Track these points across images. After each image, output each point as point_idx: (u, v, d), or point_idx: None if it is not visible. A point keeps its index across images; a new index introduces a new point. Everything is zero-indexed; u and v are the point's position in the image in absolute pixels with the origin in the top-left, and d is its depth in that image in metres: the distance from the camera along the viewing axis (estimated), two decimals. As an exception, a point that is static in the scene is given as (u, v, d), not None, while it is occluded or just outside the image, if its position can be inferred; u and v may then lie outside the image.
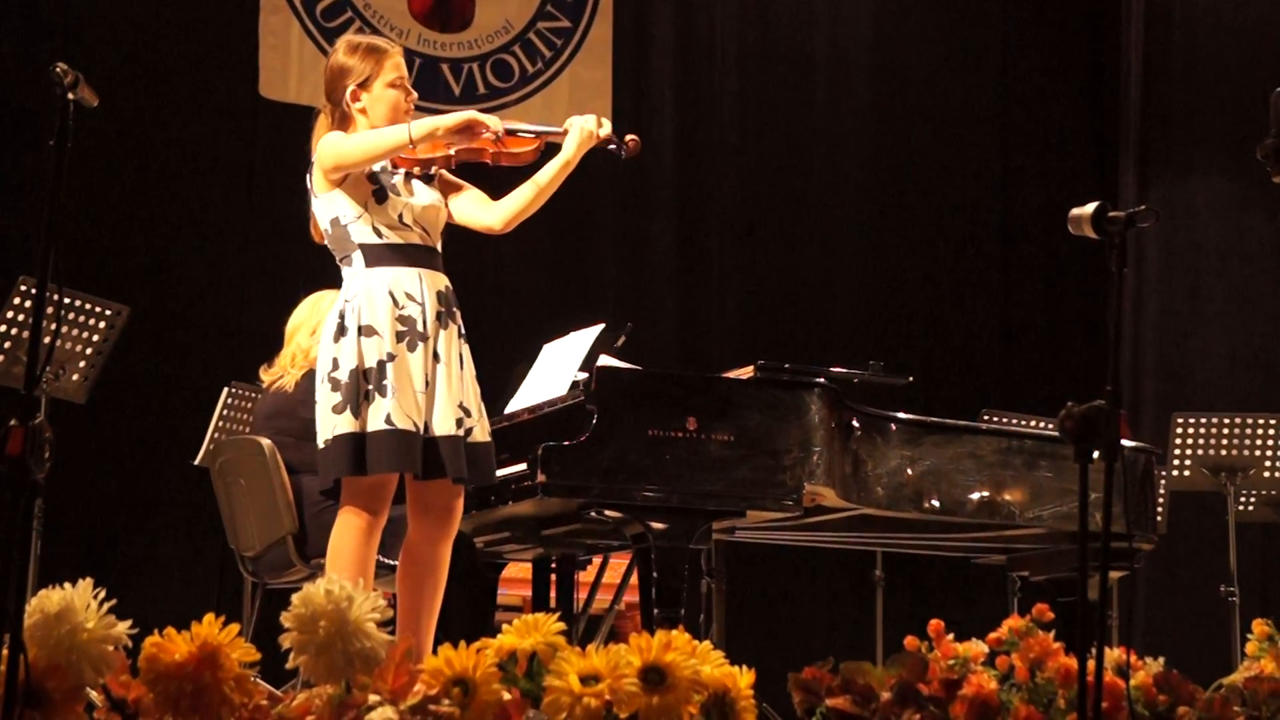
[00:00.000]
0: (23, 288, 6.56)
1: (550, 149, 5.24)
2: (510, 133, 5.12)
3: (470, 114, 5.08)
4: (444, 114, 5.16)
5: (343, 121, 5.11)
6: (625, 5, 9.81)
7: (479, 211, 5.25)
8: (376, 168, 5.03)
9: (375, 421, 4.82)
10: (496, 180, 5.26)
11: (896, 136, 10.30)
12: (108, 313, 6.88)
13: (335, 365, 4.90)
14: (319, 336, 6.08)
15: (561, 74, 9.64)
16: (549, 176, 5.20)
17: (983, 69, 10.62)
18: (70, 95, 3.24)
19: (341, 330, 4.91)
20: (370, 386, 4.84)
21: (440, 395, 4.96)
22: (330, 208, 5.03)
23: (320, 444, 4.95)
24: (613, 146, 5.31)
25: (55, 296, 3.18)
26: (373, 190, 5.02)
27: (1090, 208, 3.75)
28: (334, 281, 6.31)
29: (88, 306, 6.83)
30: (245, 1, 9.03)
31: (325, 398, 4.92)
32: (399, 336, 4.89)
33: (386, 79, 5.11)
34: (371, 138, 4.98)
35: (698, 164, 9.86)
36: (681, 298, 9.70)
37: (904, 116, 10.34)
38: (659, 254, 9.62)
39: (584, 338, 5.77)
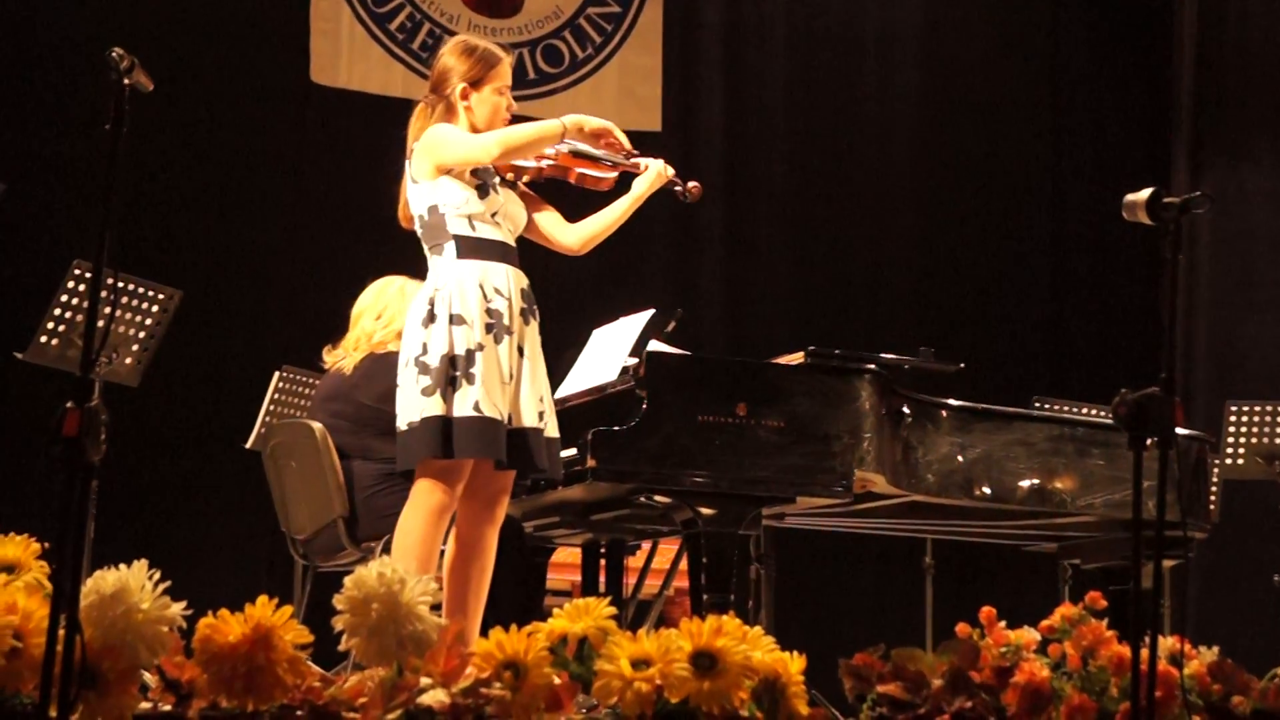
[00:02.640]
0: (76, 272, 6.59)
1: (623, 178, 5.39)
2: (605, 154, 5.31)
3: (606, 124, 5.29)
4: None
5: (446, 114, 5.20)
6: (678, -8, 9.83)
7: (558, 231, 5.40)
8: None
9: (463, 407, 4.88)
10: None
11: (946, 122, 10.27)
12: (160, 297, 6.91)
13: (424, 350, 4.95)
14: (384, 321, 6.14)
15: (611, 60, 9.63)
16: (623, 209, 5.38)
17: (1033, 55, 10.59)
18: (126, 80, 3.25)
19: (431, 317, 4.96)
20: (458, 373, 4.90)
21: (525, 388, 5.06)
22: (430, 195, 5.08)
23: (404, 425, 4.99)
24: (678, 188, 5.45)
25: (110, 281, 3.19)
26: (477, 185, 5.10)
27: (1145, 193, 3.73)
28: (386, 266, 6.36)
29: (141, 290, 6.86)
30: (298, -6, 9.07)
31: (412, 381, 4.98)
32: (487, 328, 4.96)
33: (495, 84, 5.23)
34: (536, 128, 5.16)
35: (746, 150, 9.85)
36: (730, 283, 9.70)
37: (953, 103, 10.31)
38: (708, 239, 9.63)
39: (634, 323, 5.77)
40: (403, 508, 5.27)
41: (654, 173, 5.39)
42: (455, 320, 4.93)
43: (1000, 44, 10.49)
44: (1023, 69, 10.54)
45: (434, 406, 4.89)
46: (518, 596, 5.79)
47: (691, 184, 5.47)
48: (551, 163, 5.26)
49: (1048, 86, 10.60)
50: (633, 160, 5.39)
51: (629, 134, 5.40)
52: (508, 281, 5.05)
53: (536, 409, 5.06)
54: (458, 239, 5.05)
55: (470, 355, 4.90)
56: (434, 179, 5.07)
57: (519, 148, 5.11)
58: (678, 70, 9.77)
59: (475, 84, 5.19)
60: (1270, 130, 10.30)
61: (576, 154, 5.31)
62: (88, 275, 6.43)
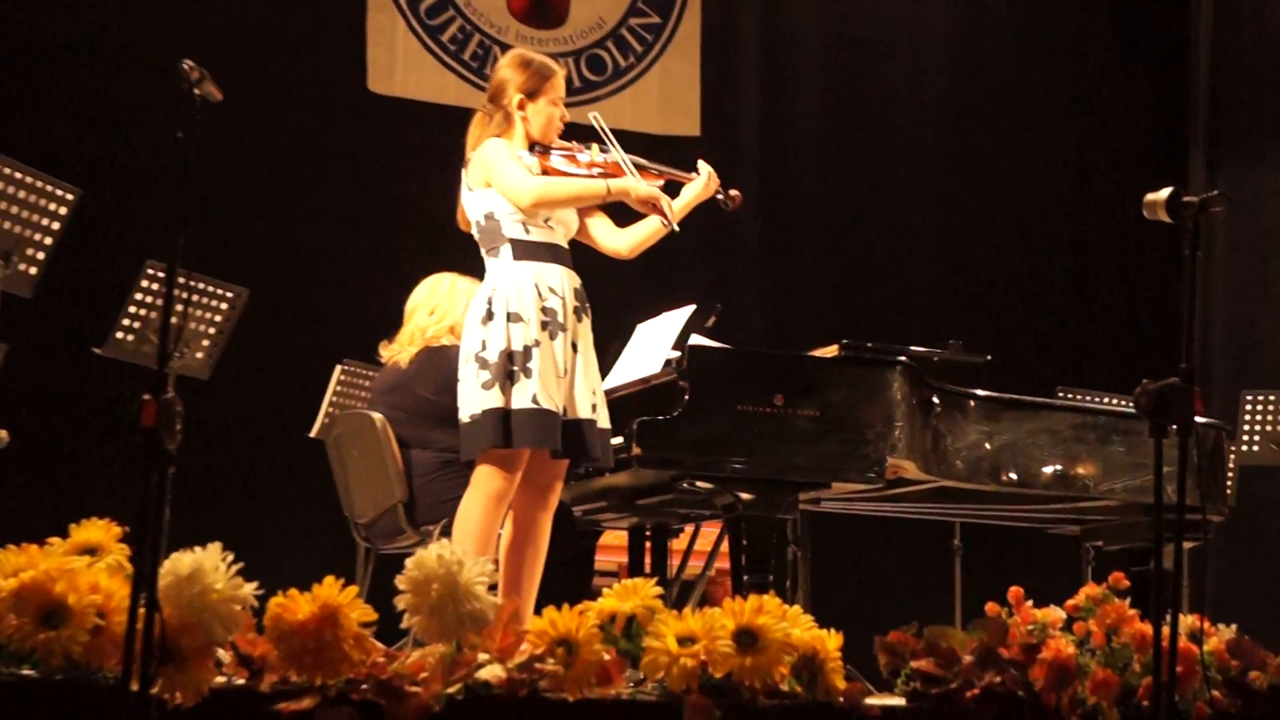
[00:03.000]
0: (150, 272, 6.61)
1: (668, 186, 5.43)
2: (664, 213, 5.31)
3: (656, 192, 5.28)
4: (637, 179, 5.30)
5: (503, 123, 5.27)
6: (713, 1, 9.80)
7: (609, 236, 5.47)
8: (535, 173, 5.18)
9: (521, 400, 4.95)
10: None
11: (972, 125, 10.25)
12: (229, 295, 6.94)
13: (484, 346, 5.03)
14: (436, 316, 6.16)
15: (652, 68, 9.63)
16: (673, 214, 5.36)
17: (1056, 60, 10.56)
18: (196, 90, 3.28)
19: (489, 315, 5.03)
20: (516, 368, 4.97)
21: (579, 382, 5.13)
22: (486, 203, 5.16)
23: (466, 418, 5.06)
24: (720, 197, 5.52)
25: (182, 280, 3.21)
26: None
27: (1164, 193, 3.73)
28: (438, 264, 6.37)
29: (211, 289, 6.88)
30: (356, 8, 9.06)
31: (472, 376, 5.05)
32: (543, 325, 5.03)
33: (549, 96, 5.31)
34: (578, 186, 5.22)
35: (781, 152, 9.84)
36: (767, 279, 9.69)
37: (980, 107, 10.29)
38: (745, 238, 9.62)
39: (676, 318, 5.78)
40: (458, 493, 5.33)
41: (702, 180, 5.46)
42: (512, 318, 4.99)
43: (1024, 50, 10.47)
44: (1045, 74, 10.51)
45: (493, 399, 4.95)
46: (568, 577, 5.81)
47: (733, 192, 5.55)
48: (602, 171, 5.30)
49: (1070, 90, 10.58)
50: (679, 171, 5.44)
51: (669, 139, 5.43)
52: (561, 281, 5.10)
53: (590, 401, 5.13)
54: (513, 242, 5.10)
55: (527, 351, 4.96)
56: (487, 187, 5.11)
57: (554, 201, 5.16)
58: (716, 78, 9.76)
59: (531, 95, 5.26)
60: (1283, 131, 10.29)
61: (622, 163, 5.34)
62: (161, 275, 6.46)
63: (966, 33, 10.32)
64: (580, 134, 5.44)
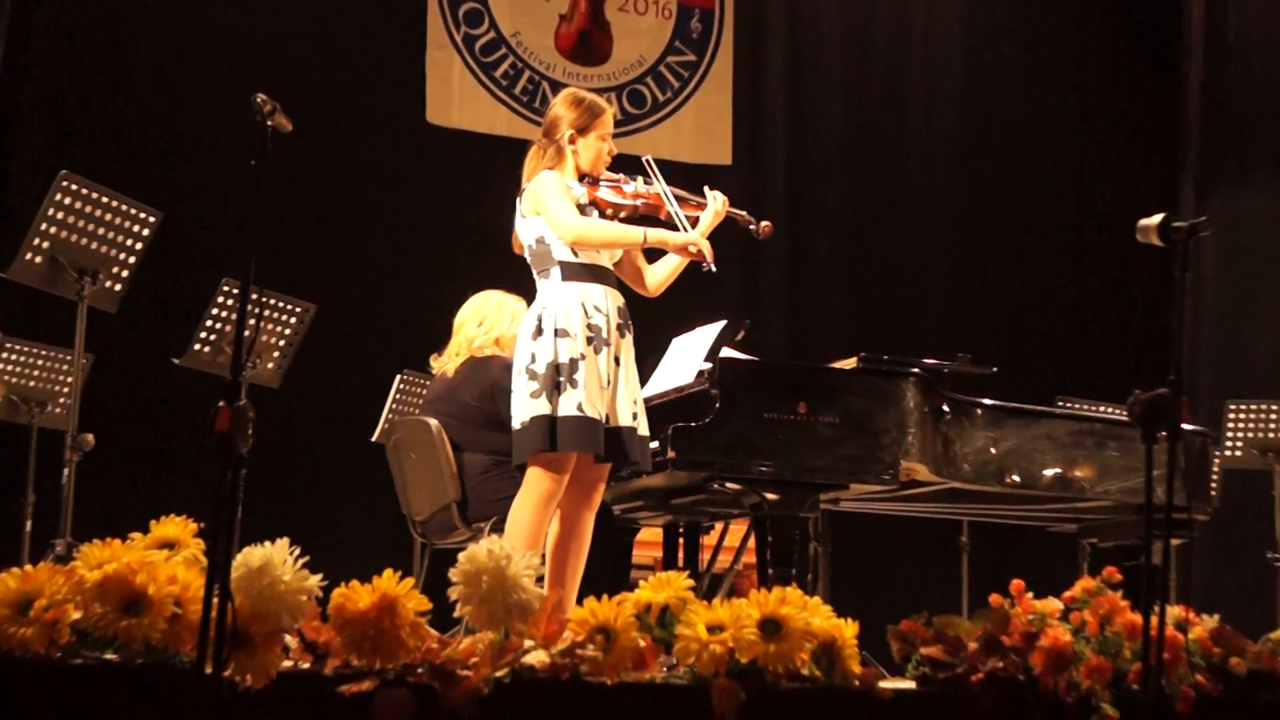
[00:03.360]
0: (225, 288, 6.65)
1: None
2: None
3: (692, 239, 5.25)
4: (674, 230, 5.31)
5: (555, 156, 5.30)
6: (743, 41, 9.81)
7: (641, 276, 5.48)
8: (584, 202, 5.23)
9: (567, 408, 4.98)
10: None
11: (981, 156, 10.24)
12: (297, 310, 6.97)
13: (533, 359, 5.06)
14: (484, 329, 6.18)
15: (688, 102, 9.65)
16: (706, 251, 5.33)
17: (1058, 95, 10.54)
18: (268, 122, 3.29)
19: (539, 331, 5.06)
20: (563, 379, 5.00)
21: (621, 393, 5.15)
22: (537, 229, 5.20)
23: (517, 425, 5.08)
24: (751, 227, 5.54)
25: (255, 296, 3.23)
26: None
27: (1156, 219, 3.72)
28: (486, 281, 6.39)
29: (281, 304, 6.91)
30: (414, 39, 9.09)
31: (523, 386, 5.07)
32: (588, 340, 5.05)
33: (599, 132, 5.33)
34: (616, 231, 5.22)
35: (805, 180, 9.84)
36: (791, 296, 9.69)
37: (988, 139, 10.28)
38: (772, 258, 9.61)
39: (708, 332, 5.78)
40: (506, 492, 5.37)
41: (714, 206, 5.42)
42: (560, 334, 5.02)
43: (1028, 87, 10.45)
44: (1048, 108, 10.50)
45: (541, 407, 4.98)
46: (608, 570, 5.81)
47: (764, 224, 5.58)
48: (645, 201, 5.34)
49: (1070, 124, 10.56)
50: (696, 198, 5.46)
51: (702, 167, 5.46)
52: (606, 300, 5.13)
53: (630, 410, 5.15)
54: (562, 264, 5.13)
55: (573, 363, 4.98)
56: (538, 216, 5.15)
57: (592, 242, 5.16)
58: (746, 111, 9.77)
59: (582, 131, 5.29)
60: (1267, 161, 10.27)
61: (664, 195, 5.38)
62: (235, 291, 6.48)
63: (975, 72, 10.31)
64: (627, 164, 5.47)
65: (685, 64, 9.67)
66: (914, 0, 10.21)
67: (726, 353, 5.61)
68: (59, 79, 8.37)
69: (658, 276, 5.45)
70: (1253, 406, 8.60)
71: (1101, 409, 7.25)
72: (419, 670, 3.18)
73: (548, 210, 5.11)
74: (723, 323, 5.79)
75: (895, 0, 10.18)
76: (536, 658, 3.30)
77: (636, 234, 5.21)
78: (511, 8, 9.36)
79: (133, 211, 6.09)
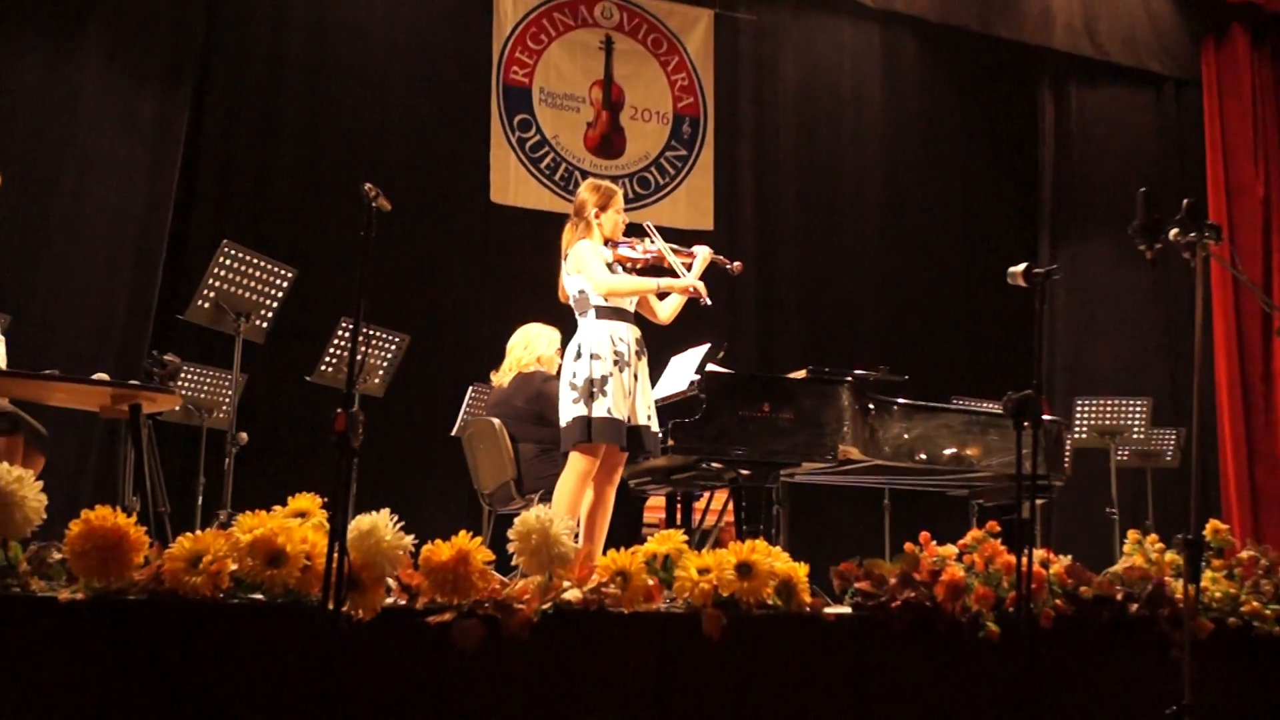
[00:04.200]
0: (343, 324, 6.67)
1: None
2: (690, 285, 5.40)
3: (692, 283, 5.34)
4: (678, 279, 5.38)
5: (585, 228, 5.34)
6: (722, 139, 9.79)
7: (658, 307, 5.47)
8: (610, 260, 5.29)
9: (599, 411, 5.07)
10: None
11: (898, 220, 10.21)
12: (395, 339, 6.98)
13: (574, 376, 5.15)
14: (530, 351, 6.22)
15: (681, 184, 9.64)
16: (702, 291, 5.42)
17: (952, 170, 10.50)
18: (374, 203, 3.31)
19: (579, 355, 5.18)
20: (596, 390, 5.04)
21: (639, 401, 5.20)
22: (579, 284, 5.30)
23: (563, 423, 5.14)
24: (728, 267, 5.54)
25: (365, 330, 3.23)
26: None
27: (1021, 266, 3.74)
28: (531, 317, 6.43)
29: (384, 335, 6.93)
30: (482, 141, 9.10)
31: (568, 394, 5.14)
32: (614, 362, 5.11)
33: (615, 208, 5.40)
34: (636, 284, 5.29)
35: (768, 239, 9.82)
36: (758, 325, 9.67)
37: (903, 207, 10.25)
38: (743, 297, 9.59)
39: (697, 352, 5.79)
40: (551, 472, 5.42)
41: (702, 256, 5.50)
42: (594, 357, 5.09)
43: (932, 168, 10.43)
44: (945, 179, 10.46)
45: (580, 411, 5.05)
46: (624, 529, 5.83)
47: (736, 264, 5.59)
48: (653, 256, 5.40)
49: (960, 195, 10.52)
50: (687, 250, 5.47)
51: (691, 232, 5.49)
52: (627, 333, 5.21)
53: (646, 413, 5.23)
54: (597, 308, 5.19)
55: (604, 379, 5.05)
56: (579, 273, 5.22)
57: (620, 294, 5.24)
58: (724, 190, 9.75)
59: (602, 208, 5.34)
60: (1102, 220, 10.30)
61: (665, 251, 5.43)
62: (350, 326, 6.49)
63: (892, 155, 10.29)
64: (634, 230, 5.52)
65: (679, 157, 9.67)
66: (845, 107, 10.18)
67: (711, 368, 5.62)
68: (222, 169, 8.39)
69: (666, 311, 5.48)
70: (1094, 402, 8.71)
71: (984, 405, 7.24)
72: (486, 605, 3.18)
73: (587, 271, 5.18)
74: (708, 345, 5.80)
75: (831, 108, 10.16)
76: (573, 594, 3.31)
77: (651, 284, 5.29)
78: (552, 118, 9.36)
79: (275, 269, 6.10)
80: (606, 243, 5.34)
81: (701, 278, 5.42)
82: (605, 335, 5.14)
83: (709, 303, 5.35)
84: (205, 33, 8.29)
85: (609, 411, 5.02)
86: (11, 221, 7.00)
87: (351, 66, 8.72)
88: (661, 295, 5.42)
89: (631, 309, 5.30)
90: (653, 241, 5.45)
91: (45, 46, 7.58)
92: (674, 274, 5.39)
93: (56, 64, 7.59)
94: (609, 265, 5.25)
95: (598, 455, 5.11)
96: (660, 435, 5.30)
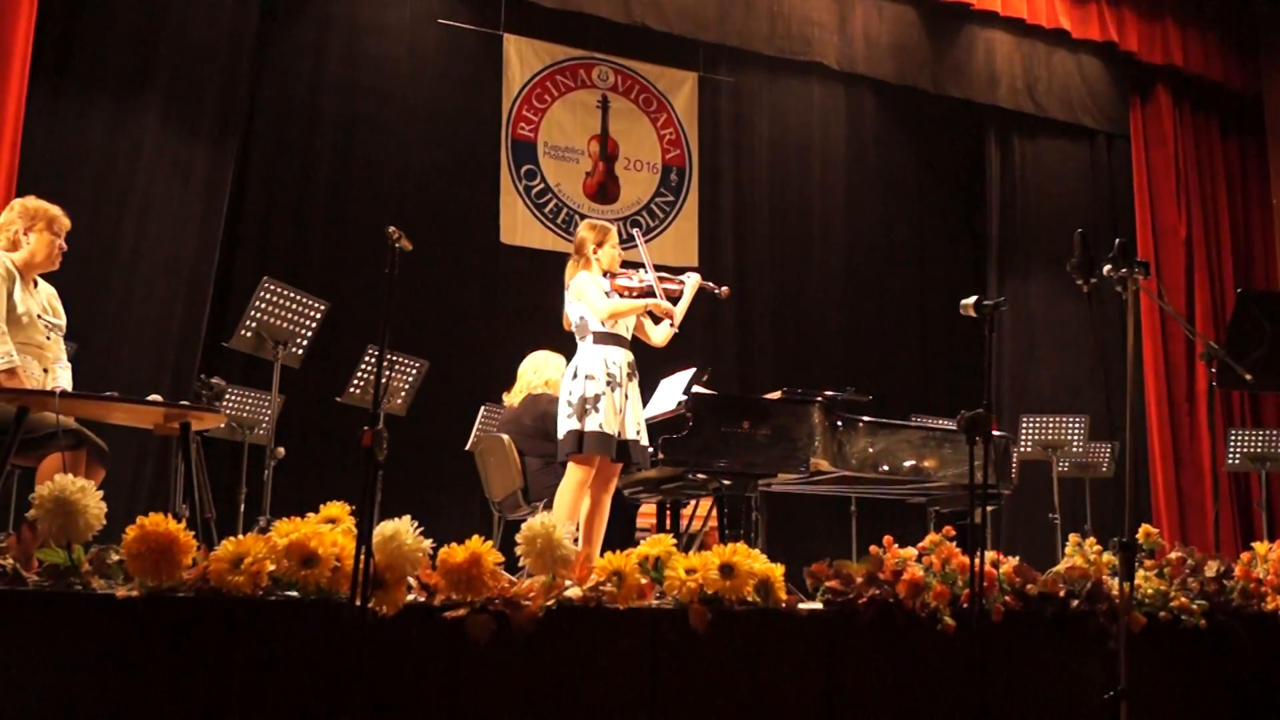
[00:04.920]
0: (369, 351, 6.66)
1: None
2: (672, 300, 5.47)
3: (666, 307, 5.35)
4: (659, 299, 5.38)
5: (585, 263, 5.36)
6: (705, 186, 9.81)
7: (654, 332, 5.51)
8: (607, 289, 5.30)
9: (591, 426, 5.06)
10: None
11: (861, 258, 10.23)
12: (416, 364, 6.97)
13: (571, 394, 5.15)
14: (538, 375, 6.21)
15: (670, 226, 9.65)
16: (679, 314, 5.46)
17: (909, 213, 10.55)
18: (397, 244, 3.29)
19: (575, 375, 5.13)
20: (589, 408, 5.00)
21: (629, 417, 5.19)
22: (579, 311, 5.31)
23: (560, 436, 5.14)
24: (716, 292, 5.58)
25: (389, 356, 3.22)
26: None
27: (972, 299, 3.73)
28: (538, 344, 6.41)
29: (406, 361, 6.92)
30: (492, 189, 9.11)
31: (565, 410, 5.15)
32: (607, 383, 5.08)
33: (610, 243, 5.43)
34: (629, 305, 5.28)
35: (747, 274, 9.82)
36: (738, 351, 9.67)
37: (865, 246, 10.27)
38: (724, 326, 9.61)
39: (684, 375, 5.78)
40: (553, 482, 5.38)
41: (691, 285, 5.53)
42: (588, 378, 5.08)
43: (890, 206, 10.47)
44: (903, 220, 10.50)
45: (574, 425, 5.02)
46: (619, 534, 5.81)
47: (723, 289, 5.61)
48: (645, 284, 5.42)
49: (917, 236, 10.57)
50: (676, 279, 5.47)
51: (679, 267, 5.50)
52: (620, 356, 5.20)
53: (635, 428, 5.20)
54: (594, 334, 5.18)
55: (597, 398, 5.02)
56: (579, 302, 5.20)
57: (617, 315, 5.23)
58: (707, 231, 9.77)
59: (599, 244, 5.33)
60: (1042, 259, 10.36)
61: (653, 281, 5.45)
62: (375, 353, 6.49)
63: (855, 200, 10.30)
64: (630, 259, 5.50)
65: (667, 202, 9.69)
66: (814, 157, 10.20)
67: (696, 389, 5.60)
68: (264, 215, 8.39)
69: (660, 335, 5.50)
70: (1037, 419, 8.71)
71: (940, 422, 7.24)
72: (496, 601, 3.16)
73: (586, 299, 5.17)
74: (694, 369, 5.80)
75: (801, 158, 10.18)
76: (574, 592, 3.29)
77: (640, 304, 5.29)
78: (555, 168, 9.38)
79: (310, 302, 6.10)
80: (605, 274, 5.35)
81: (694, 313, 5.46)
82: (600, 358, 5.14)
83: (677, 329, 5.41)
84: (250, 95, 8.33)
85: (600, 427, 5.02)
86: (80, 261, 6.96)
87: (378, 124, 8.74)
88: (656, 320, 5.42)
89: (628, 335, 5.30)
90: (647, 273, 5.45)
91: (110, 106, 7.62)
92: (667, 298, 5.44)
93: (120, 122, 7.62)
94: (606, 294, 5.26)
95: (592, 465, 5.10)
96: (650, 449, 5.29)
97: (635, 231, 5.65)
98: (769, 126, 10.08)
